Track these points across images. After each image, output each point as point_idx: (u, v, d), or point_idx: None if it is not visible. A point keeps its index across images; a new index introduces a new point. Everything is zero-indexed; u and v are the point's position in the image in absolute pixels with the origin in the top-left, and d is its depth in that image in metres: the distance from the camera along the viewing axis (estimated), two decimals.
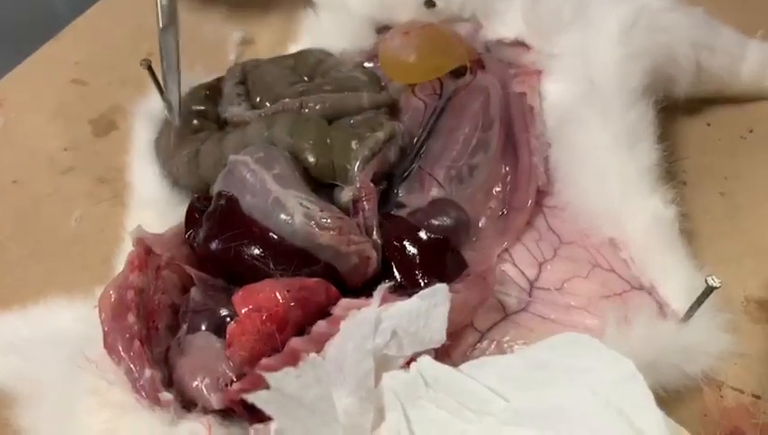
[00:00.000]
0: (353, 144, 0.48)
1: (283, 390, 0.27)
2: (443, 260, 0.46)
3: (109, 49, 0.71)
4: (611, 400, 0.29)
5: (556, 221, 0.50)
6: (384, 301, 0.34)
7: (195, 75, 0.61)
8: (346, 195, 0.47)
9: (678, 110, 0.58)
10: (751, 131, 0.58)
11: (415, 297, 0.34)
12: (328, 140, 0.48)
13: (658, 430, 0.28)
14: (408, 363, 0.35)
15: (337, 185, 0.48)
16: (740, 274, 0.49)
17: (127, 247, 0.46)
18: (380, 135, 0.49)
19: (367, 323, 0.33)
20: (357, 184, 0.47)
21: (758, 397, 0.43)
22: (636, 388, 0.29)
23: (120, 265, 0.47)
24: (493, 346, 0.44)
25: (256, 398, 0.26)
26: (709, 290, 0.40)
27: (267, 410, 0.26)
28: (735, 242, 0.51)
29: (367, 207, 0.46)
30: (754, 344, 0.45)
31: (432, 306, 0.34)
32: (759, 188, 0.54)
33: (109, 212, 0.56)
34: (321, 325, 0.36)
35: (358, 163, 0.47)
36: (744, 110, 0.59)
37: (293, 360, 0.33)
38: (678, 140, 0.57)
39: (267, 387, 0.27)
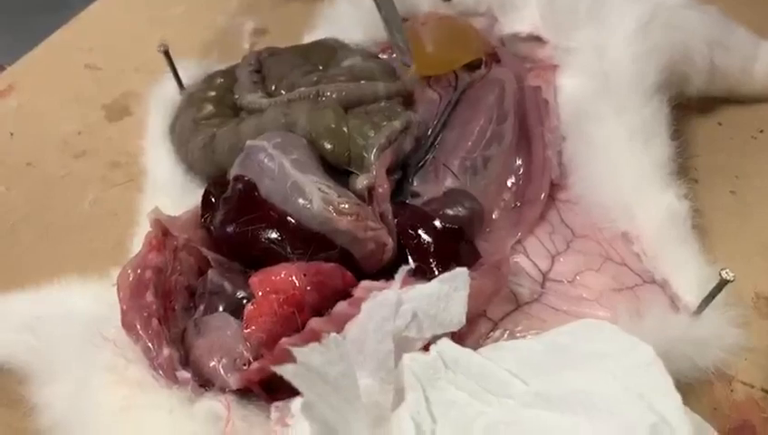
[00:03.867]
0: (370, 132, 0.49)
1: (309, 365, 0.27)
2: (457, 249, 0.46)
3: (122, 35, 0.72)
4: (631, 384, 0.30)
5: (569, 214, 0.51)
6: (404, 284, 0.35)
7: (209, 62, 0.62)
8: (361, 182, 0.47)
9: (691, 108, 0.58)
10: (761, 132, 0.58)
11: (435, 281, 0.34)
12: (345, 128, 0.49)
13: (678, 414, 0.28)
14: (426, 347, 0.35)
15: (352, 172, 0.48)
16: (749, 271, 0.49)
17: (142, 230, 0.47)
18: (397, 124, 0.49)
19: (388, 304, 0.33)
20: (372, 172, 0.47)
21: (767, 392, 0.43)
22: (655, 372, 0.30)
23: (134, 248, 0.47)
24: (505, 335, 0.44)
25: (284, 371, 0.26)
26: (723, 283, 0.41)
27: (295, 384, 0.26)
28: (745, 240, 0.51)
29: (381, 194, 0.47)
30: (764, 340, 0.45)
31: (452, 290, 0.34)
32: None
33: (122, 196, 0.56)
34: (341, 306, 0.36)
35: (374, 151, 0.48)
36: (755, 110, 0.60)
37: (314, 340, 0.33)
38: (690, 138, 0.58)
39: (293, 362, 0.27)
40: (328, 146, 0.48)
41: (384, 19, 0.53)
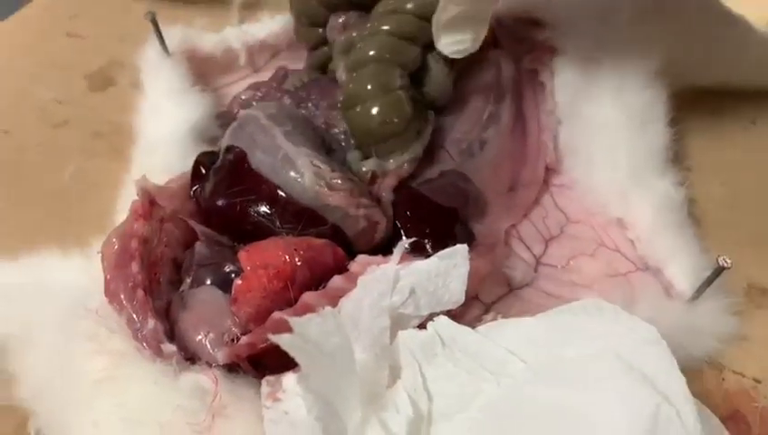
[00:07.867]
0: (416, 128, 0.46)
1: (305, 335, 0.26)
2: (451, 231, 0.45)
3: (106, 4, 0.69)
4: (635, 363, 0.29)
5: (563, 199, 0.50)
6: (402, 260, 0.34)
7: (195, 30, 0.60)
8: (368, 165, 0.45)
9: (684, 97, 0.58)
10: (754, 123, 0.58)
11: (434, 257, 0.33)
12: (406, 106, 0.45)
13: (683, 395, 0.28)
14: (421, 326, 0.34)
15: (349, 149, 0.46)
16: (742, 261, 0.48)
17: (125, 200, 0.45)
18: (428, 130, 0.47)
19: (385, 280, 0.32)
20: (391, 168, 0.45)
21: (758, 381, 0.43)
22: (659, 353, 0.29)
23: (116, 219, 0.46)
24: (498, 319, 0.43)
25: (281, 340, 0.25)
26: (719, 270, 0.40)
27: (292, 354, 0.25)
28: (737, 229, 0.51)
29: (386, 184, 0.45)
30: (756, 330, 0.45)
31: (451, 267, 0.33)
32: (760, 178, 0.54)
33: (103, 167, 0.54)
34: (336, 280, 0.35)
35: (408, 157, 0.45)
36: (748, 101, 0.59)
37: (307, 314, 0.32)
38: (683, 127, 0.57)
39: (289, 331, 0.26)
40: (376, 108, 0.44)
41: None
